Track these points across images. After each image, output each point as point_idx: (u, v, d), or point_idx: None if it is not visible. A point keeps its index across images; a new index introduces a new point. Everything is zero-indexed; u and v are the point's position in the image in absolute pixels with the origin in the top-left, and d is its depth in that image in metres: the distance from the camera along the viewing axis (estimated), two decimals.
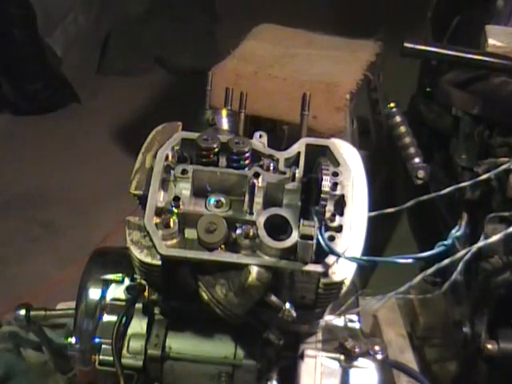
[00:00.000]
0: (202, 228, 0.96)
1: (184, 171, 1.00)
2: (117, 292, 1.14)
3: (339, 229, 0.94)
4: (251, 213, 0.97)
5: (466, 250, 1.00)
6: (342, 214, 0.95)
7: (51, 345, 1.29)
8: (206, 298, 0.97)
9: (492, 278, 1.57)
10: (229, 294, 0.96)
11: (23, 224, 2.13)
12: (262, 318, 1.01)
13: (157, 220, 0.97)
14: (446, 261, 0.97)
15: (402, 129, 1.50)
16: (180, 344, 1.07)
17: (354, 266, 0.95)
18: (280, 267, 0.94)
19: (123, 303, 1.11)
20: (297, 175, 1.00)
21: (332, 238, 0.93)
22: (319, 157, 1.01)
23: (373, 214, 1.04)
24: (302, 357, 1.05)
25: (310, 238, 0.91)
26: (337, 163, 1.00)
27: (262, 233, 0.93)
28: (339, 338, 1.05)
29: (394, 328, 1.76)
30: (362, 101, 2.59)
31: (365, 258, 0.94)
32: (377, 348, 1.03)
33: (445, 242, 0.94)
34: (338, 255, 0.92)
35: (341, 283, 0.95)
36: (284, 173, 1.01)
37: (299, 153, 1.03)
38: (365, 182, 1.02)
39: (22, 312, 1.26)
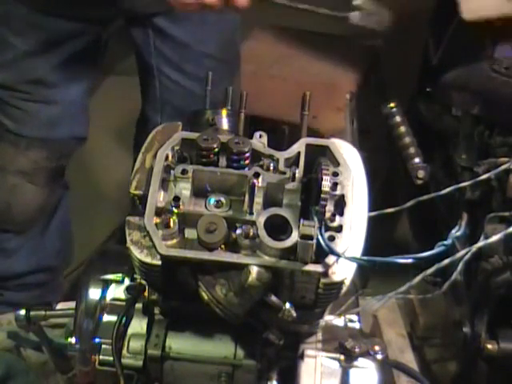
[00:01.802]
0: (202, 228, 0.96)
1: (184, 171, 1.00)
2: (117, 292, 1.14)
3: (339, 229, 0.94)
4: (251, 213, 0.97)
5: (466, 250, 1.00)
6: (342, 214, 0.95)
7: (51, 345, 1.28)
8: (206, 298, 0.97)
9: (492, 278, 1.57)
10: (229, 294, 0.96)
11: None
12: (262, 318, 1.01)
13: (157, 220, 0.97)
14: (446, 261, 0.97)
15: (402, 129, 1.50)
16: (180, 344, 1.07)
17: (353, 266, 0.95)
18: (280, 267, 0.94)
19: (123, 303, 1.11)
20: (297, 175, 1.00)
21: (332, 238, 0.93)
22: (319, 157, 1.01)
23: (373, 214, 1.04)
24: (302, 357, 1.05)
25: (310, 237, 0.91)
26: (337, 163, 1.00)
27: (262, 233, 0.93)
28: (339, 338, 1.05)
29: (394, 328, 1.76)
30: (361, 101, 2.59)
31: (365, 258, 0.94)
32: (377, 348, 1.03)
33: (445, 242, 0.94)
34: (338, 255, 0.92)
35: (341, 283, 0.95)
36: (284, 173, 1.01)
37: (299, 153, 1.03)
38: (365, 182, 1.02)
39: (22, 312, 1.26)
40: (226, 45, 1.93)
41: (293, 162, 1.03)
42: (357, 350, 1.03)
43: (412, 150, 1.49)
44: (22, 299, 1.96)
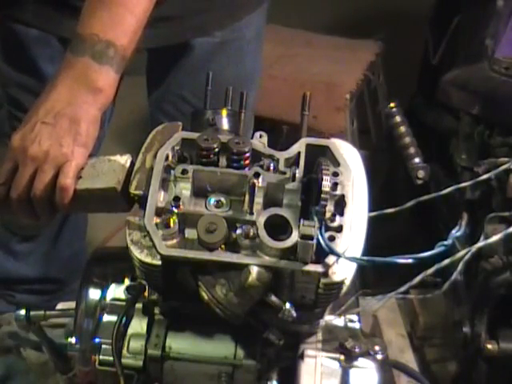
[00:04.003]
0: (202, 228, 0.96)
1: (184, 171, 1.00)
2: (117, 292, 1.14)
3: (339, 229, 0.94)
4: (251, 213, 0.97)
5: (466, 250, 0.99)
6: (342, 214, 0.95)
7: (51, 345, 1.28)
8: (206, 298, 0.97)
9: (492, 278, 1.57)
10: (229, 294, 0.96)
11: None
12: (262, 318, 1.01)
13: (157, 220, 0.97)
14: (446, 261, 0.97)
15: (402, 129, 1.50)
16: (180, 344, 1.07)
17: (354, 266, 0.95)
18: (280, 267, 0.94)
19: (123, 303, 1.11)
20: (297, 175, 1.00)
21: (332, 238, 0.93)
22: (319, 157, 1.01)
23: (373, 214, 1.04)
24: (302, 357, 1.05)
25: (310, 238, 0.91)
26: (337, 163, 1.00)
27: (262, 233, 0.93)
28: (339, 338, 1.05)
29: (394, 328, 1.76)
30: (361, 101, 2.59)
31: (365, 258, 0.94)
32: (377, 348, 1.03)
33: (445, 243, 0.94)
34: (338, 255, 0.92)
35: (341, 283, 0.95)
36: (284, 173, 1.01)
37: (299, 153, 1.03)
38: (365, 182, 1.02)
39: (22, 312, 1.25)
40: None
41: (293, 162, 1.03)
42: (357, 350, 1.03)
43: (412, 150, 1.49)
44: (32, 302, 1.95)
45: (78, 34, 1.22)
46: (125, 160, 1.13)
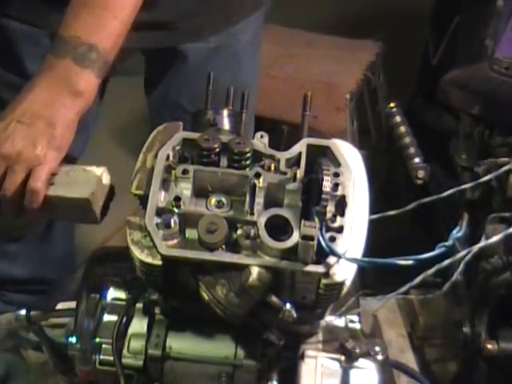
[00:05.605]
0: (202, 228, 0.96)
1: (185, 171, 1.00)
2: (117, 292, 1.14)
3: (340, 229, 0.94)
4: (252, 213, 0.97)
5: (466, 251, 1.00)
6: (342, 215, 0.95)
7: (51, 345, 1.28)
8: (206, 298, 0.97)
9: (492, 278, 1.57)
10: (229, 294, 0.96)
11: None
12: (263, 318, 1.01)
13: (157, 220, 0.97)
14: (447, 261, 0.97)
15: (402, 129, 1.50)
16: (180, 344, 1.07)
17: (354, 266, 0.95)
18: (281, 268, 0.94)
19: (124, 303, 1.11)
20: (298, 175, 1.00)
21: (333, 239, 0.93)
22: (320, 157, 1.01)
23: (374, 217, 1.04)
24: (302, 357, 1.05)
25: (311, 238, 0.91)
26: (338, 164, 1.00)
27: (263, 233, 0.93)
28: (340, 339, 1.05)
29: (394, 328, 1.76)
30: (361, 101, 2.59)
31: (365, 259, 0.94)
32: (377, 349, 1.03)
33: (446, 244, 0.94)
34: (339, 256, 0.92)
35: (341, 284, 0.95)
36: (285, 173, 1.01)
37: (300, 153, 1.03)
38: (366, 182, 1.02)
39: (22, 312, 1.25)
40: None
41: (294, 163, 1.03)
42: (357, 350, 1.03)
43: (412, 150, 1.49)
44: (25, 301, 1.94)
45: (60, 36, 1.21)
46: (100, 172, 1.12)
